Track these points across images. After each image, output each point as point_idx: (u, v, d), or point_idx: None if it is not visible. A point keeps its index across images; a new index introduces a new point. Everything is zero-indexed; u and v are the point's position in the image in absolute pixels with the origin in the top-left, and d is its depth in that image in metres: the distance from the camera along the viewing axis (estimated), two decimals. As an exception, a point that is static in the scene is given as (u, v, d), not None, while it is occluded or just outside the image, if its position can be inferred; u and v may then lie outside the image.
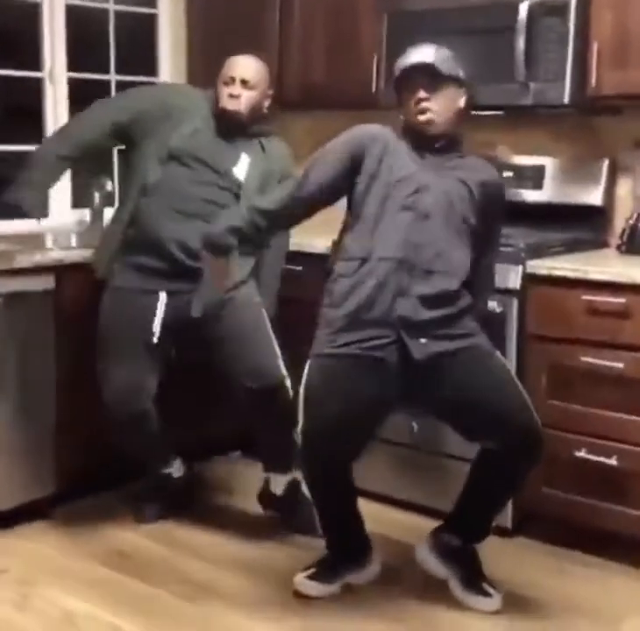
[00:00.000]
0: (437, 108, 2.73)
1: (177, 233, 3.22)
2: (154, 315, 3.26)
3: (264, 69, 3.35)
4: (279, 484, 3.47)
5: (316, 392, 2.77)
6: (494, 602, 2.88)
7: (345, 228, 2.89)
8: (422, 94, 2.72)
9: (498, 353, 2.86)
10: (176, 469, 3.60)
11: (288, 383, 3.24)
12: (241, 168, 3.31)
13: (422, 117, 2.74)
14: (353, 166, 2.79)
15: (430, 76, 2.72)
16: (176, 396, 3.47)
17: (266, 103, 3.38)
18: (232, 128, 3.31)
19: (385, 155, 2.76)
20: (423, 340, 2.70)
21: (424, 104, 2.72)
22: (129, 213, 3.30)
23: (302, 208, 2.86)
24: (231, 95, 3.27)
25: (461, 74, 2.77)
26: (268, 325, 3.32)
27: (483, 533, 2.95)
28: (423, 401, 2.84)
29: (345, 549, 3.01)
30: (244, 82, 3.27)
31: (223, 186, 3.27)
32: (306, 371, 2.80)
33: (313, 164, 2.85)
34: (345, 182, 2.80)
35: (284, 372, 3.26)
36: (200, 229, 3.10)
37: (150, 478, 3.58)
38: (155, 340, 3.27)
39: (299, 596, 2.95)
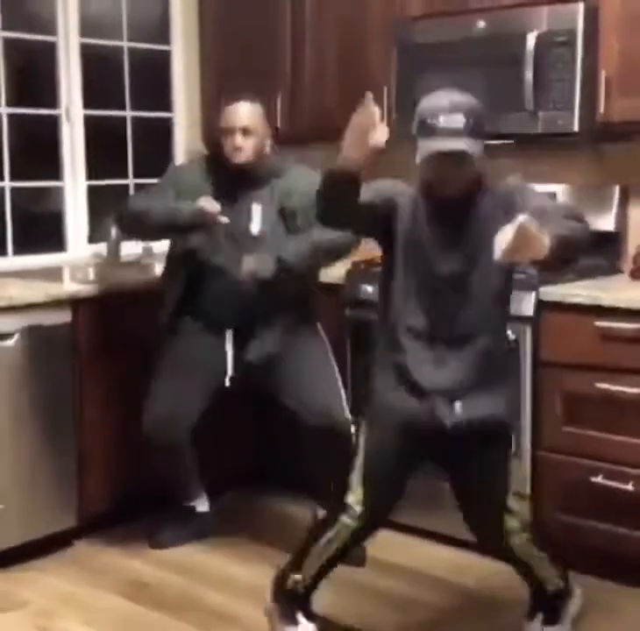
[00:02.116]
0: (464, 178, 2.56)
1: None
2: (225, 356, 3.35)
3: (259, 110, 3.36)
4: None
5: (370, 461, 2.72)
6: None
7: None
8: (447, 174, 2.54)
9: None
10: (201, 503, 3.64)
11: (349, 423, 3.26)
12: (256, 222, 3.33)
13: (446, 189, 2.57)
14: (386, 213, 2.62)
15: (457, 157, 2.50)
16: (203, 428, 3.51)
17: (269, 142, 3.39)
18: (242, 180, 3.34)
19: (413, 220, 2.61)
20: (457, 403, 2.62)
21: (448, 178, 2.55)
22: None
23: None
24: (235, 148, 3.29)
25: (485, 128, 2.55)
26: (334, 365, 3.39)
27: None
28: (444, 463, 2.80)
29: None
30: (243, 131, 3.30)
31: (246, 247, 3.29)
32: (362, 433, 2.75)
33: None
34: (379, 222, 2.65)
35: (346, 413, 3.32)
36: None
37: (172, 508, 3.62)
38: (228, 382, 3.36)
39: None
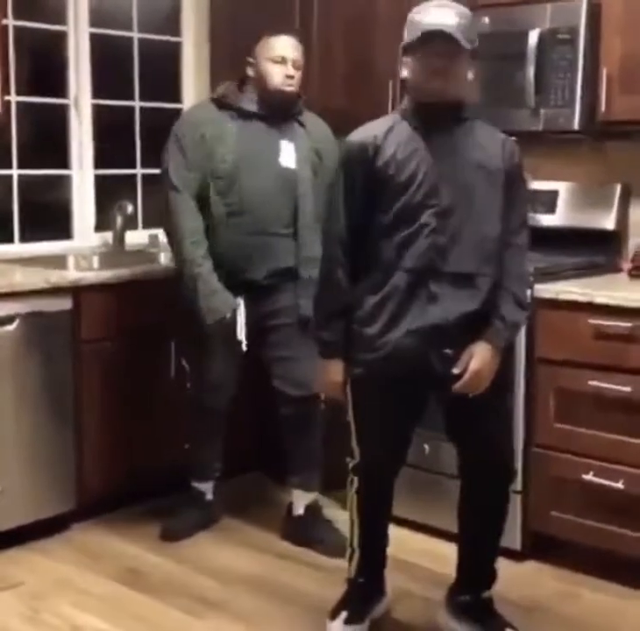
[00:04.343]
0: (451, 76, 2.57)
1: (254, 264, 3.35)
2: (236, 321, 3.35)
3: (302, 48, 3.41)
4: (300, 503, 3.54)
5: (362, 414, 2.77)
6: None
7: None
8: (437, 63, 2.55)
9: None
10: (210, 492, 3.67)
11: (322, 398, 3.33)
12: (288, 156, 3.35)
13: (434, 84, 2.57)
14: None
15: (448, 42, 2.53)
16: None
17: None
18: (281, 109, 3.36)
19: (384, 160, 2.61)
20: (448, 350, 2.62)
21: (440, 71, 2.56)
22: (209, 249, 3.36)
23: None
24: (289, 76, 3.33)
25: (476, 43, 2.60)
26: None
27: (489, 578, 2.88)
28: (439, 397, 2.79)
29: (376, 577, 2.96)
30: (295, 63, 3.34)
31: (277, 179, 3.33)
32: (349, 391, 2.77)
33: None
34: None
35: None
36: (272, 248, 3.32)
37: (183, 493, 3.65)
38: (244, 348, 3.37)
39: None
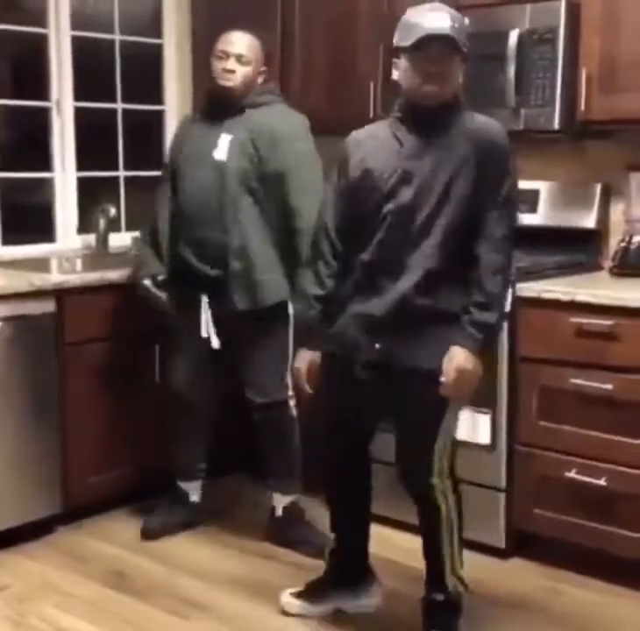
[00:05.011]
0: (446, 80, 2.60)
1: (194, 251, 3.37)
2: (200, 321, 3.38)
3: (258, 44, 3.38)
4: (279, 505, 3.55)
5: (324, 405, 2.86)
6: None
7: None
8: (433, 68, 2.57)
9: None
10: (194, 492, 3.67)
11: (291, 404, 3.39)
12: (222, 149, 3.32)
13: (428, 88, 2.58)
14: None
15: (444, 45, 2.55)
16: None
17: (260, 80, 3.40)
18: (223, 105, 3.36)
19: (360, 159, 2.70)
20: (377, 345, 2.66)
21: (436, 75, 2.57)
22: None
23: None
24: (226, 70, 3.31)
25: (467, 45, 2.61)
26: (290, 345, 3.31)
27: (435, 582, 2.82)
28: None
29: (343, 570, 2.99)
30: (239, 58, 3.31)
31: (211, 174, 3.33)
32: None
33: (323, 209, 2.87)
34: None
35: (288, 392, 3.37)
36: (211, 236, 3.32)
37: (168, 494, 3.65)
38: (215, 345, 3.39)
39: (286, 614, 3.01)
